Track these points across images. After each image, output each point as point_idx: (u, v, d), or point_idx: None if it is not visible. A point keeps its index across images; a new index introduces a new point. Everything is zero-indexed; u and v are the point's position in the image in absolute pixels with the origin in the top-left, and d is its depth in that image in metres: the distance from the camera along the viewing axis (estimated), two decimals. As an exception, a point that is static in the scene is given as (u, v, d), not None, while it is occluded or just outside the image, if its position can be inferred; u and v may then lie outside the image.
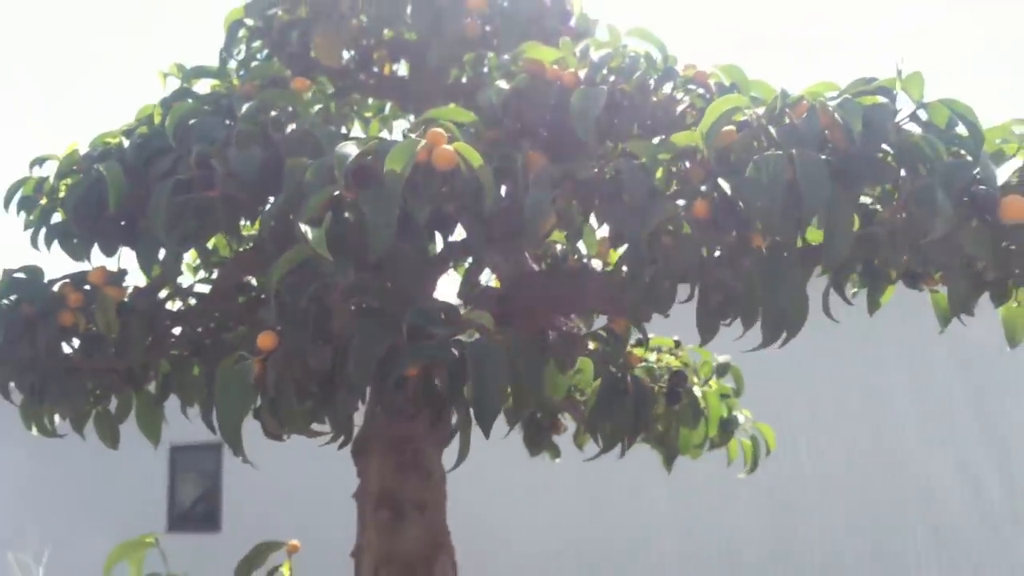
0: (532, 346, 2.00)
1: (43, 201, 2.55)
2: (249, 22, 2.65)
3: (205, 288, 2.63)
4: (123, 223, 2.18)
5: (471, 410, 1.82)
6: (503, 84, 2.07)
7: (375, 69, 2.81)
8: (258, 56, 2.64)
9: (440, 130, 1.84)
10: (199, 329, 2.63)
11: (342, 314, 1.80)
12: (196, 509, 14.08)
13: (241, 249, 2.58)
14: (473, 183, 1.81)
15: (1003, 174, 1.83)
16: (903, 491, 7.42)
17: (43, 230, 2.41)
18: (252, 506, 12.36)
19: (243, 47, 2.65)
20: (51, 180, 2.31)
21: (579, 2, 2.64)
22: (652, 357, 2.70)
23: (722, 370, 2.73)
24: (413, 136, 1.85)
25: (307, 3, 2.54)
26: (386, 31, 2.60)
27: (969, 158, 1.76)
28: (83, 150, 2.56)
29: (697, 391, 2.54)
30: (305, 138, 2.12)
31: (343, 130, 2.62)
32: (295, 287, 1.80)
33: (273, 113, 2.22)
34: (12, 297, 2.26)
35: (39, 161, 2.63)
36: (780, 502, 7.78)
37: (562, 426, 3.00)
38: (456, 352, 1.78)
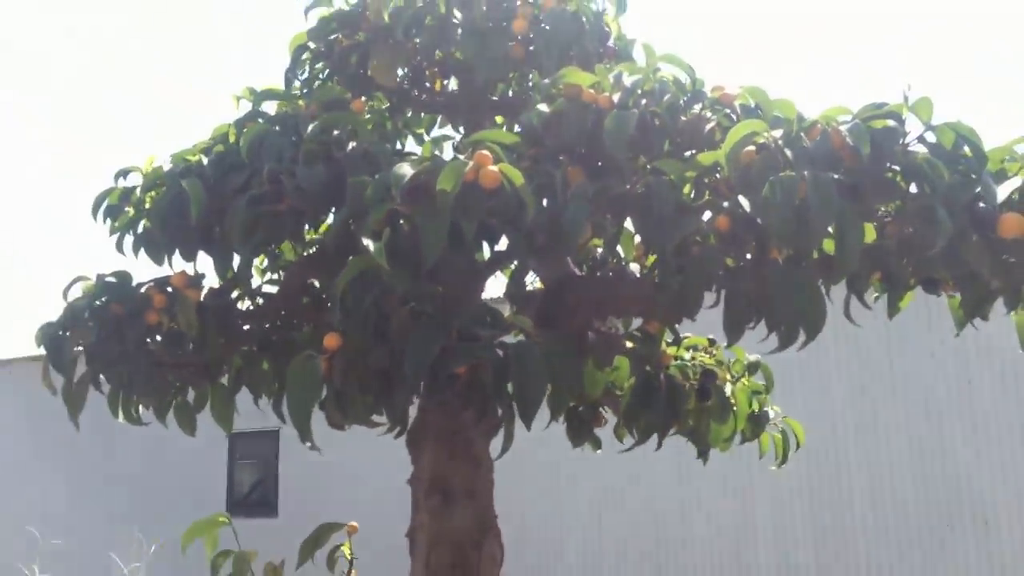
0: (570, 346, 2.19)
1: (129, 210, 2.80)
2: (312, 45, 2.87)
3: (272, 289, 2.87)
4: (201, 232, 2.41)
5: (514, 405, 2.02)
6: (544, 107, 2.26)
7: (427, 85, 3.01)
8: (320, 76, 2.86)
9: (486, 152, 2.03)
10: (267, 326, 2.87)
11: (398, 318, 2.00)
12: (253, 494, 14.50)
13: (305, 254, 2.80)
14: (515, 199, 2.00)
15: (1006, 191, 1.98)
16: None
17: (129, 237, 2.66)
18: (307, 492, 12.72)
19: (306, 68, 2.87)
20: (137, 192, 2.54)
21: (616, 23, 2.82)
22: (687, 355, 2.89)
23: (753, 368, 2.90)
24: (462, 157, 2.05)
25: (365, 29, 2.75)
26: (437, 52, 2.80)
27: (973, 177, 1.92)
28: (160, 163, 2.82)
29: (728, 388, 2.72)
30: (364, 155, 2.34)
31: (398, 145, 2.81)
32: (357, 293, 2.01)
33: (335, 132, 2.45)
34: (103, 299, 2.51)
35: (123, 173, 2.88)
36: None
37: (603, 419, 3.18)
38: (500, 352, 1.98)
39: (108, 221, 2.87)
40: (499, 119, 3.06)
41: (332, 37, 2.80)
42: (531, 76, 2.83)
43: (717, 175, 2.06)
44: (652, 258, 2.43)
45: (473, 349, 1.99)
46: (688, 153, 2.22)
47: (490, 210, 2.02)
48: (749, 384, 2.93)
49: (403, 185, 1.97)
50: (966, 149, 1.97)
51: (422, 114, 3.13)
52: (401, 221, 2.05)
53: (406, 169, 2.00)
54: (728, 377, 2.84)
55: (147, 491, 13.42)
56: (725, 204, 2.02)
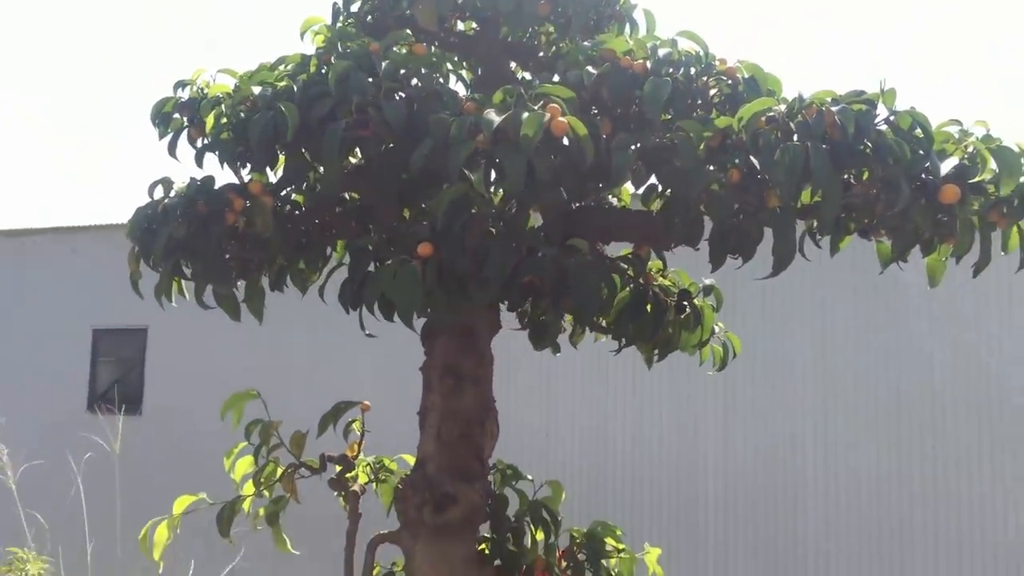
0: (600, 265, 2.76)
1: (177, 116, 3.17)
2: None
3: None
4: (288, 148, 2.83)
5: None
6: (591, 68, 2.77)
7: (445, 25, 3.44)
8: (369, 18, 3.26)
9: (556, 105, 2.54)
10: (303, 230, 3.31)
11: (482, 234, 2.51)
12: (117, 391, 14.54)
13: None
14: (577, 146, 2.52)
15: (946, 167, 2.64)
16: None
17: (201, 145, 3.04)
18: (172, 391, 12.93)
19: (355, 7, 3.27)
20: (223, 113, 2.90)
21: (622, -11, 3.34)
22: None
23: (707, 290, 3.53)
24: (536, 108, 2.55)
25: (412, -23, 3.17)
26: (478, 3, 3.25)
27: (922, 154, 2.56)
28: (207, 76, 3.19)
29: (698, 303, 3.35)
30: (434, 94, 2.81)
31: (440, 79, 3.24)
32: (451, 213, 2.51)
33: (403, 71, 2.89)
34: (193, 199, 2.89)
35: (181, 84, 3.24)
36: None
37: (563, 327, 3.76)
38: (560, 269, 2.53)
39: (159, 126, 3.25)
40: (512, 64, 3.54)
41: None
42: (551, 32, 3.31)
43: (731, 137, 2.63)
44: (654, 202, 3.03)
45: (538, 262, 2.53)
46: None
47: (557, 152, 2.53)
48: (702, 302, 3.56)
49: (493, 129, 2.46)
50: (919, 131, 2.60)
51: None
52: (482, 159, 2.53)
53: (494, 116, 2.49)
54: (694, 291, 3.47)
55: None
56: (737, 161, 2.60)
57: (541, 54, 3.49)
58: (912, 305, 8.30)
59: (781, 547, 8.70)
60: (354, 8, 3.28)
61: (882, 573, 8.35)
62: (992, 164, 2.60)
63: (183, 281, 3.13)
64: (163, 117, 3.21)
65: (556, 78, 3.13)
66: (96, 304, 14.16)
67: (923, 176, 2.56)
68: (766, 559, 8.75)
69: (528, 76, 3.53)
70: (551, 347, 3.65)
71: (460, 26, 3.45)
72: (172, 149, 3.22)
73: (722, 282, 3.42)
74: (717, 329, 3.64)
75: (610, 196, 3.26)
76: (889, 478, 8.41)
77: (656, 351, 3.45)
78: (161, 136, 3.26)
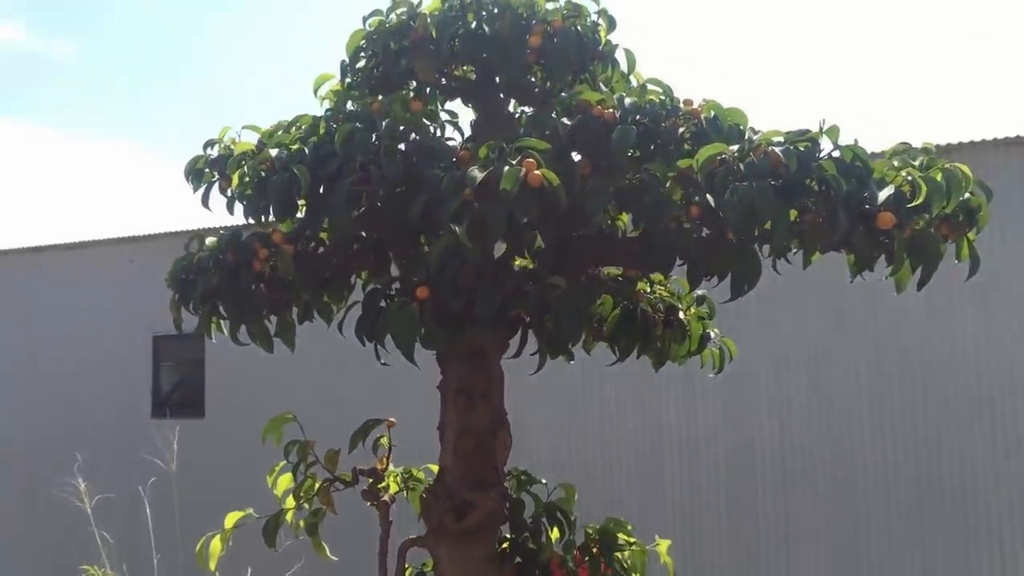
0: (585, 289, 3.18)
1: (208, 172, 3.65)
2: (364, 44, 3.71)
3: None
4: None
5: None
6: (566, 120, 3.18)
7: (445, 71, 3.86)
8: (374, 71, 3.70)
9: (531, 160, 2.95)
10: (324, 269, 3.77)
11: (472, 277, 2.95)
12: (178, 395, 15.29)
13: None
14: (552, 194, 2.93)
15: (885, 194, 2.98)
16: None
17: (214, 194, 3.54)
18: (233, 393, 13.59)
19: (362, 63, 3.72)
20: (244, 169, 3.37)
21: (604, 32, 3.72)
22: (649, 289, 3.89)
23: (700, 300, 3.91)
24: (513, 163, 2.96)
25: (412, 37, 3.60)
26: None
27: (861, 184, 2.91)
28: (233, 133, 3.66)
29: (683, 316, 3.74)
30: (430, 150, 3.24)
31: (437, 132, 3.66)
32: (444, 260, 2.95)
33: (401, 128, 3.33)
34: (223, 252, 3.38)
35: (210, 144, 3.72)
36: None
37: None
38: (542, 303, 2.95)
39: (193, 181, 3.74)
40: (511, 103, 3.95)
41: (385, 43, 3.64)
42: (539, 75, 3.71)
43: (690, 178, 3.01)
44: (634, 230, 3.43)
45: (522, 299, 2.96)
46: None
47: (535, 200, 2.94)
48: (696, 311, 3.95)
49: (476, 183, 2.89)
50: (859, 163, 2.96)
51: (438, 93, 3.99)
52: (470, 210, 2.95)
53: (477, 173, 2.91)
54: (682, 306, 3.86)
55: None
56: (696, 199, 2.99)
57: (537, 89, 3.89)
58: None
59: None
60: (360, 64, 3.72)
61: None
62: (925, 188, 2.94)
63: (220, 320, 3.63)
64: (196, 173, 3.70)
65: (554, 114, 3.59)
66: (156, 311, 14.95)
67: (864, 205, 2.92)
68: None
69: (526, 110, 3.94)
70: (564, 356, 4.09)
71: (458, 71, 3.88)
72: (205, 201, 3.72)
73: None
74: (713, 335, 4.03)
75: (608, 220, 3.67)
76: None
77: (652, 361, 3.86)
78: (195, 190, 3.76)
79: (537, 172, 2.92)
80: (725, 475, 10.47)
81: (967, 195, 3.10)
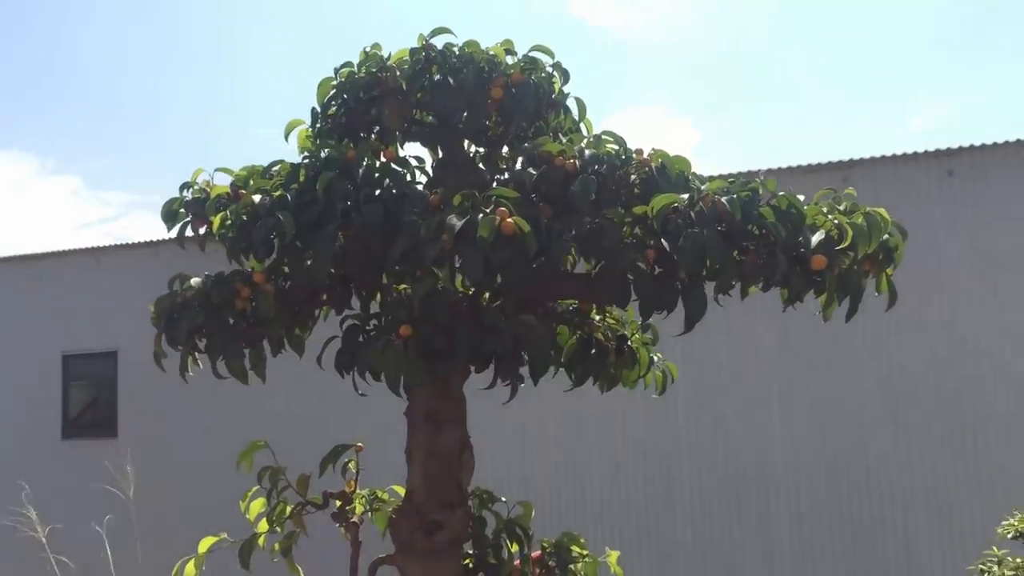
0: (548, 326, 3.54)
1: (182, 212, 3.92)
2: (333, 93, 4.02)
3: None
4: (283, 247, 3.58)
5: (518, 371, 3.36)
6: (531, 171, 3.54)
7: (414, 117, 4.19)
8: (342, 117, 4.01)
9: (504, 208, 3.30)
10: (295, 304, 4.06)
11: (450, 315, 3.29)
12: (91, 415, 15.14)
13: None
14: (523, 239, 3.29)
15: (818, 237, 3.42)
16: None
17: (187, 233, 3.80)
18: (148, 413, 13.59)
19: (332, 110, 4.02)
20: (228, 216, 3.64)
21: (558, 84, 4.10)
22: (598, 318, 4.27)
23: (645, 327, 4.32)
24: (487, 211, 3.31)
25: (380, 88, 3.92)
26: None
27: (795, 230, 3.35)
28: (206, 175, 3.93)
29: (634, 345, 4.14)
30: (404, 196, 3.57)
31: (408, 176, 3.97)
32: (425, 300, 3.28)
33: (376, 175, 3.65)
34: (207, 292, 3.64)
35: (186, 186, 3.98)
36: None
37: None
38: (515, 339, 3.31)
39: (168, 221, 4.00)
40: (466, 142, 4.29)
41: (353, 91, 3.95)
42: (495, 119, 4.07)
43: (645, 223, 3.40)
44: (587, 265, 3.81)
45: (498, 336, 3.31)
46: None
47: (507, 246, 3.30)
48: (641, 337, 4.35)
49: (455, 231, 3.23)
50: (794, 210, 3.40)
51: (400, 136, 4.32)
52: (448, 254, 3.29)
53: (455, 220, 3.25)
54: (632, 335, 4.26)
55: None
56: (651, 242, 3.38)
57: (490, 134, 4.25)
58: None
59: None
60: (330, 111, 4.03)
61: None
62: (852, 232, 3.38)
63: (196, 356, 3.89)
64: (171, 214, 3.96)
65: (505, 150, 3.95)
66: (65, 329, 14.82)
67: (800, 249, 3.35)
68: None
69: (481, 150, 4.29)
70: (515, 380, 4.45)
71: (419, 116, 4.21)
72: (180, 240, 3.98)
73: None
74: (656, 359, 4.44)
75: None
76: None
77: (604, 385, 4.25)
78: (169, 229, 4.02)
79: (510, 220, 3.27)
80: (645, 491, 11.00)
81: (886, 236, 3.56)
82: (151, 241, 14.36)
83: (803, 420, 10.75)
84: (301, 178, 3.64)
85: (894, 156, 10.90)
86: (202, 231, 4.00)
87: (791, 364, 10.84)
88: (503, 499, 4.31)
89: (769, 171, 11.22)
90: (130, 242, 14.59)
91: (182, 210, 3.97)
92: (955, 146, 10.67)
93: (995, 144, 10.51)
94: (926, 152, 10.78)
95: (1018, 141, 10.42)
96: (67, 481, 14.06)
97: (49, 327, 14.95)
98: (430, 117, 4.20)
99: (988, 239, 10.35)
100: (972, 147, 10.59)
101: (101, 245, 14.89)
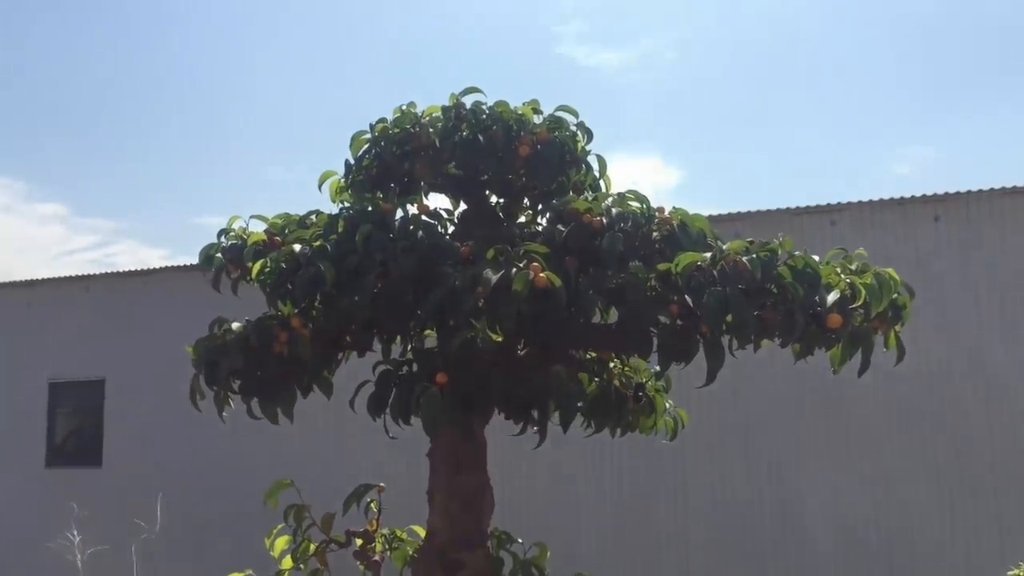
0: (574, 376, 3.74)
1: (218, 256, 4.10)
2: (367, 147, 4.23)
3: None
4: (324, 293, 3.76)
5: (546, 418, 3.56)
6: (561, 227, 3.75)
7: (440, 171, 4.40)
8: (373, 170, 4.21)
9: (537, 264, 3.50)
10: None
11: (484, 363, 3.48)
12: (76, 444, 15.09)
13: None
14: (555, 293, 3.49)
15: (833, 296, 3.64)
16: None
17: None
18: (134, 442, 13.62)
19: (366, 162, 4.23)
20: (268, 263, 3.82)
21: (581, 142, 4.32)
22: (616, 365, 4.48)
23: (659, 375, 4.52)
24: (520, 265, 3.51)
25: (413, 144, 4.14)
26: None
27: (812, 289, 3.57)
28: (241, 222, 4.12)
29: (650, 392, 4.34)
30: (438, 247, 3.77)
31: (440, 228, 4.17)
32: (461, 349, 3.47)
33: (411, 227, 3.85)
34: (247, 337, 3.82)
35: (223, 232, 4.17)
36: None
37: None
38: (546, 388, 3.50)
39: (205, 265, 4.18)
40: (488, 192, 4.50)
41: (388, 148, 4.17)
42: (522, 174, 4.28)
43: (668, 280, 3.61)
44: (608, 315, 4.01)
45: (530, 385, 3.51)
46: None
47: (539, 299, 3.50)
48: (654, 384, 4.56)
49: (491, 285, 3.43)
50: (810, 269, 3.62)
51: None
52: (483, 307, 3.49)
53: (491, 274, 3.45)
54: (644, 380, 4.46)
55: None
56: (675, 298, 3.59)
57: (515, 187, 4.46)
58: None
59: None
60: (364, 163, 4.24)
61: None
62: (864, 292, 3.61)
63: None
64: (208, 259, 4.15)
65: (526, 201, 4.17)
66: (52, 357, 14.85)
67: (816, 307, 3.57)
68: None
69: (503, 201, 4.51)
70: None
71: (448, 170, 4.42)
72: (216, 283, 4.16)
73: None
74: (668, 406, 4.64)
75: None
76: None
77: (619, 431, 4.45)
78: (205, 273, 4.20)
79: (543, 275, 3.48)
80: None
81: (895, 295, 3.78)
82: (141, 270, 14.47)
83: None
84: (340, 229, 3.82)
85: (881, 200, 11.18)
86: (234, 276, 4.20)
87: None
88: (520, 540, 4.48)
89: (758, 213, 11.48)
90: (120, 271, 14.67)
91: (219, 255, 4.15)
92: (941, 191, 10.98)
93: (980, 191, 10.83)
94: (912, 197, 11.08)
95: (1003, 188, 10.74)
96: (50, 507, 14.08)
97: (36, 354, 14.97)
98: (455, 169, 4.41)
99: (975, 282, 10.62)
100: (959, 192, 10.90)
101: (90, 273, 14.96)
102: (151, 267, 14.49)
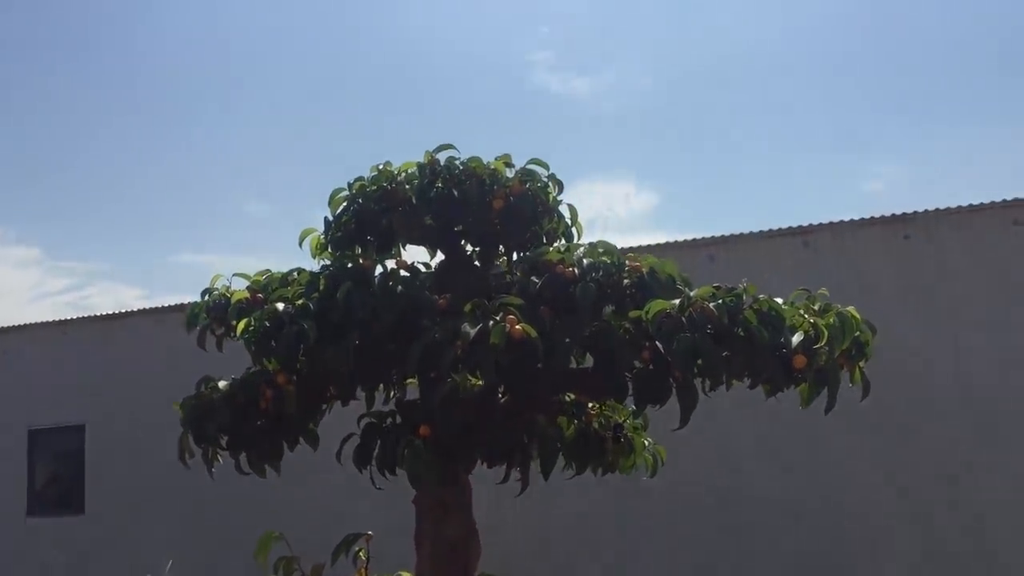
0: (554, 423, 3.91)
1: (203, 315, 4.25)
2: (344, 205, 4.40)
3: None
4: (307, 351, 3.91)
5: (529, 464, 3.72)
6: (535, 279, 3.93)
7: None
8: (352, 225, 4.38)
9: (513, 316, 3.67)
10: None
11: (468, 416, 3.64)
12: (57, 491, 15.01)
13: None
14: (531, 344, 3.66)
15: (798, 338, 3.82)
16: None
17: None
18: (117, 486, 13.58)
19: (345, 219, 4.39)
20: (252, 322, 3.97)
21: (552, 193, 4.51)
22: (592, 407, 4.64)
23: (637, 414, 4.69)
24: (497, 318, 3.68)
25: (389, 200, 4.31)
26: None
27: (777, 332, 3.75)
28: (224, 280, 4.27)
29: (627, 432, 4.51)
30: (417, 300, 3.93)
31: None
32: (444, 401, 3.63)
33: (390, 282, 4.01)
34: (234, 393, 3.96)
35: (208, 291, 4.32)
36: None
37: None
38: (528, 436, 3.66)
39: (190, 325, 4.33)
40: (464, 242, 4.67)
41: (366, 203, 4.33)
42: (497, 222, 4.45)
43: (639, 327, 3.79)
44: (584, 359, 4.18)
45: (511, 434, 3.67)
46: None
47: (516, 349, 3.67)
48: (632, 423, 4.72)
49: (469, 338, 3.59)
50: (774, 312, 3.80)
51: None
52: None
53: (469, 328, 3.61)
54: (622, 420, 4.63)
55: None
56: (646, 344, 3.77)
57: (489, 237, 4.63)
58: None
59: None
60: (343, 220, 4.40)
61: None
62: (827, 333, 3.79)
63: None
64: (193, 318, 4.31)
65: (501, 248, 4.35)
66: (31, 404, 14.83)
67: (782, 349, 3.75)
68: None
69: (478, 250, 4.67)
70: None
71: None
72: (202, 342, 4.31)
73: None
74: (648, 444, 4.81)
75: None
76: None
77: (600, 471, 4.61)
78: (189, 331, 4.36)
79: (519, 327, 3.64)
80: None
81: (857, 333, 3.97)
82: (118, 313, 14.53)
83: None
84: (321, 287, 3.98)
85: (852, 221, 11.42)
86: (219, 333, 4.35)
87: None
88: (505, 581, 4.62)
89: (732, 237, 11.71)
90: (97, 314, 14.74)
91: (203, 315, 4.31)
92: (910, 211, 11.24)
93: (948, 208, 11.09)
94: (883, 217, 11.33)
95: (970, 206, 11.00)
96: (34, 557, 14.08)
97: (14, 401, 14.96)
98: (431, 221, 4.58)
99: (943, 300, 10.85)
100: (927, 211, 11.16)
101: (67, 318, 15.01)
102: (128, 308, 14.57)
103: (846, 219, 11.46)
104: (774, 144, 30.37)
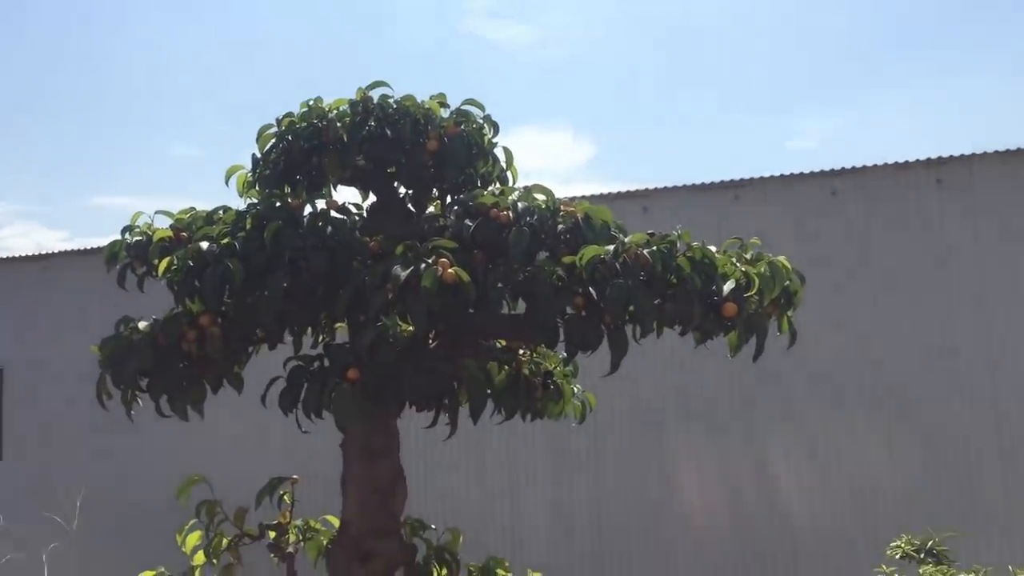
0: (483, 367, 3.86)
1: (122, 254, 4.11)
2: (273, 141, 4.26)
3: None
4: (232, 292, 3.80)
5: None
6: (468, 222, 3.85)
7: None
8: (282, 164, 4.25)
9: (445, 259, 3.60)
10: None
11: (397, 360, 3.58)
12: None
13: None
14: (464, 287, 3.60)
15: (729, 286, 3.82)
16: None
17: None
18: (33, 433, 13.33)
19: (273, 157, 4.26)
20: (175, 261, 3.83)
21: (488, 135, 4.42)
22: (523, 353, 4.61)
23: (566, 361, 4.66)
24: (428, 261, 3.61)
25: (323, 138, 4.18)
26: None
27: (709, 280, 3.74)
28: (145, 218, 4.13)
29: (558, 379, 4.49)
30: (349, 244, 3.83)
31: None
32: (373, 345, 3.56)
33: (320, 223, 3.90)
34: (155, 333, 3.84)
35: (128, 229, 4.17)
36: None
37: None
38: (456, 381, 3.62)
39: (109, 263, 4.19)
40: (396, 184, 4.57)
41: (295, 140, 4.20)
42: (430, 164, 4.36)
43: (573, 272, 3.75)
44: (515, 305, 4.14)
45: (440, 378, 3.62)
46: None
47: (448, 294, 3.61)
48: (562, 371, 4.70)
49: (400, 282, 3.52)
50: (707, 260, 3.79)
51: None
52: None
53: (400, 271, 3.54)
54: (552, 367, 4.61)
55: None
56: (579, 290, 3.73)
57: (423, 180, 4.54)
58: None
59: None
60: (271, 158, 4.26)
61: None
62: (758, 281, 3.80)
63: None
64: (112, 257, 4.16)
65: (435, 193, 4.27)
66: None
67: (713, 297, 3.75)
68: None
69: (411, 192, 4.58)
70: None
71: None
72: (121, 280, 4.17)
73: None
74: (577, 390, 4.80)
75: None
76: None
77: (529, 416, 4.59)
78: (109, 270, 4.21)
79: (451, 271, 3.58)
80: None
81: (787, 283, 3.98)
82: (39, 254, 14.12)
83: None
84: (248, 225, 3.86)
85: (782, 176, 11.54)
86: (140, 272, 4.21)
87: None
88: (433, 527, 4.60)
89: (664, 189, 11.76)
90: (17, 255, 14.30)
91: (123, 253, 4.16)
92: (839, 167, 11.38)
93: (875, 165, 11.25)
94: (812, 172, 11.46)
95: (896, 163, 11.18)
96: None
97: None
98: (363, 162, 4.47)
99: (873, 255, 11.05)
100: (855, 168, 11.31)
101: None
102: (49, 251, 14.16)
103: (776, 174, 11.58)
104: (710, 95, 30.52)
